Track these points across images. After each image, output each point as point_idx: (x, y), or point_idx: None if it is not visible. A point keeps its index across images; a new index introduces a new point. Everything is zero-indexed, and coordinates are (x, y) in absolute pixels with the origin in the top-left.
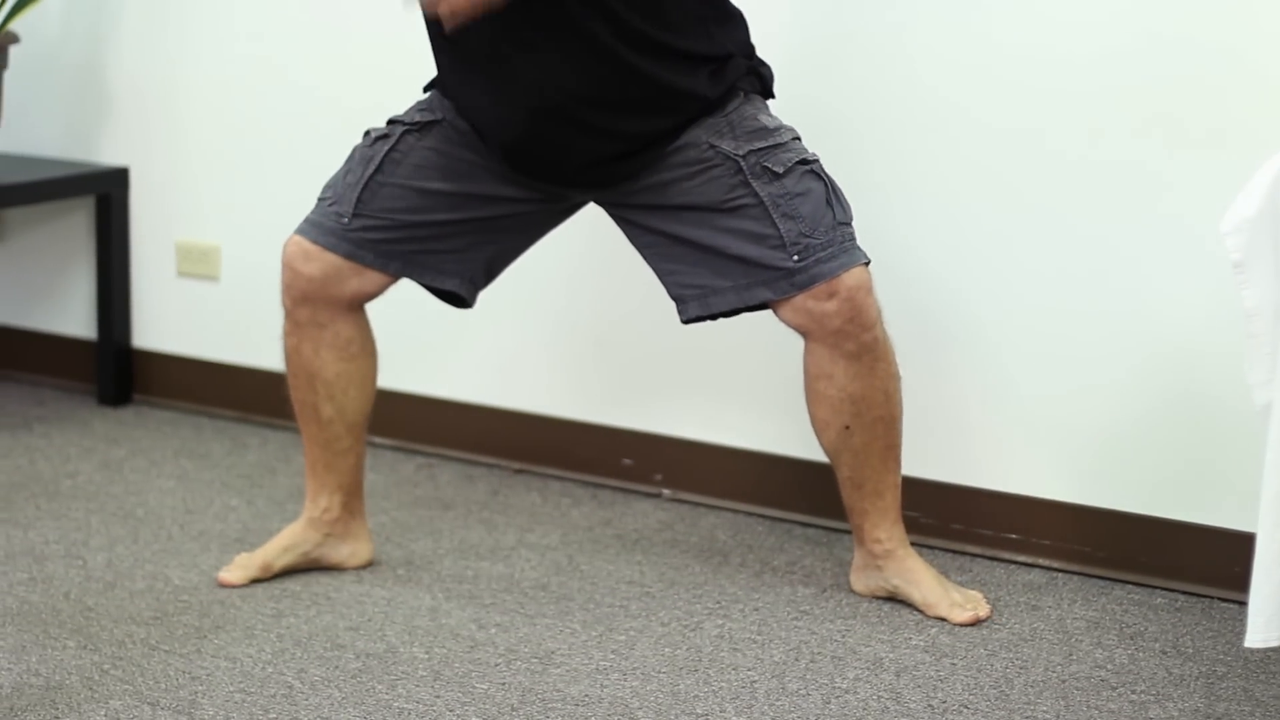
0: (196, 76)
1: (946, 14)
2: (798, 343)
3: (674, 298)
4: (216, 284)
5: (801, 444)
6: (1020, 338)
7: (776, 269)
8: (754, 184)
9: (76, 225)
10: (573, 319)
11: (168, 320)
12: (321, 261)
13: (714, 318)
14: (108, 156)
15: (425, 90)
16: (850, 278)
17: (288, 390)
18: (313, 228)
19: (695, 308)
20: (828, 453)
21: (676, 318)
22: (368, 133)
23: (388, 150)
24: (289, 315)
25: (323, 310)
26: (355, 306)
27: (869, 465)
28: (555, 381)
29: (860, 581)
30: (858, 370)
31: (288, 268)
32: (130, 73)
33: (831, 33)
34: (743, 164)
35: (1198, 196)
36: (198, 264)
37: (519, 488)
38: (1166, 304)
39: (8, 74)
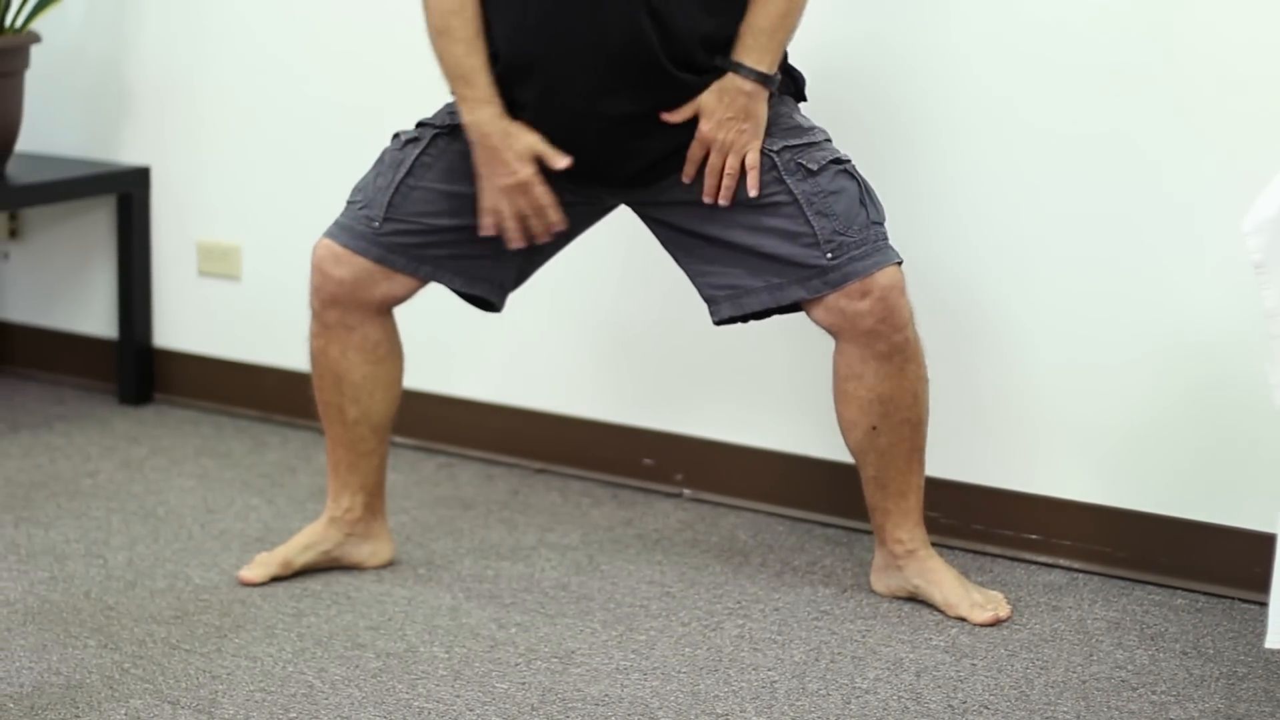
0: (218, 76)
1: (961, 12)
2: (817, 343)
3: (706, 299)
4: (237, 283)
5: (822, 444)
6: (1041, 338)
7: (810, 267)
8: (788, 180)
9: (98, 225)
10: (594, 319)
11: (188, 319)
12: (352, 265)
13: (746, 319)
14: (129, 156)
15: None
16: (884, 277)
17: (312, 390)
18: (343, 231)
19: (728, 308)
20: (853, 452)
21: (697, 318)
22: (397, 135)
23: (418, 154)
24: (317, 317)
25: (352, 313)
26: (384, 310)
27: (894, 466)
28: (576, 382)
29: (881, 582)
30: (888, 371)
31: (317, 270)
32: (151, 73)
33: (850, 35)
34: (777, 160)
35: (1222, 195)
36: (219, 263)
37: (539, 487)
38: (1188, 305)
39: (29, 74)
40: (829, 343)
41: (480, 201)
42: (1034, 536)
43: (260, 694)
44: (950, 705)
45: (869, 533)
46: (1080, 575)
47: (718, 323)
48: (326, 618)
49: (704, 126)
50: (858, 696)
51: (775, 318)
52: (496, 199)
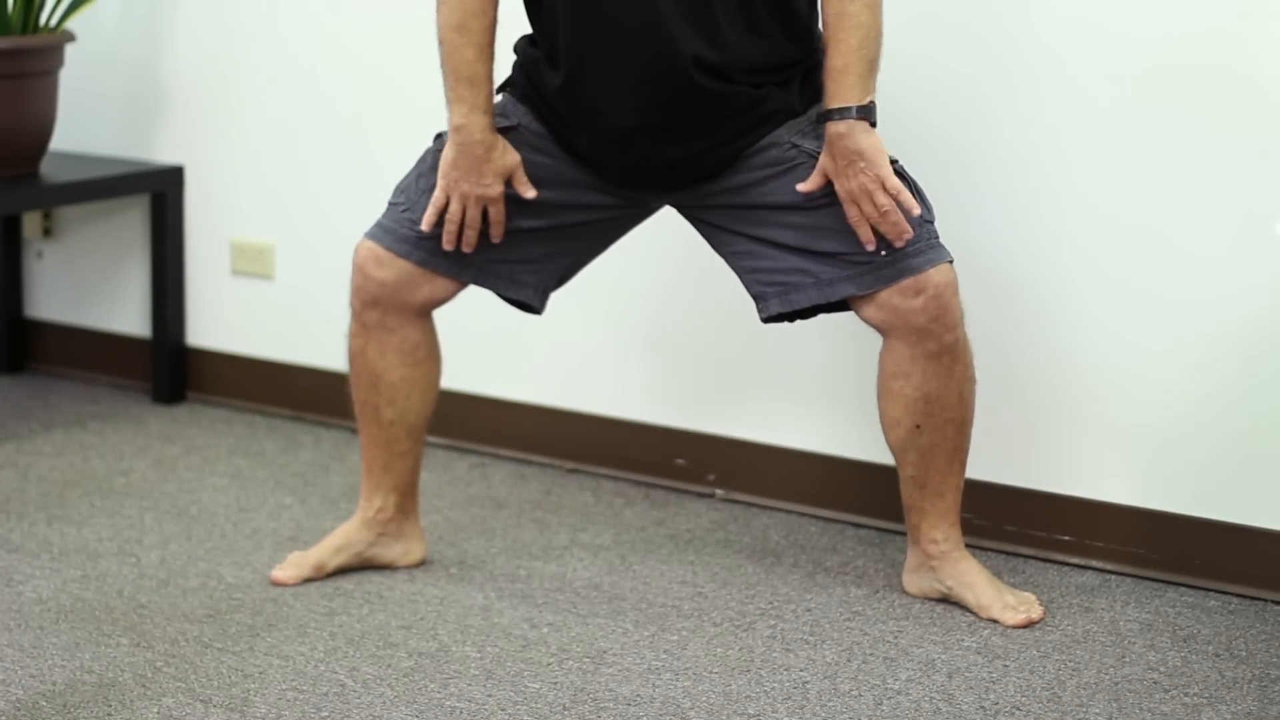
0: (251, 75)
1: (982, 11)
2: (849, 344)
3: (754, 295)
4: (271, 282)
5: (855, 444)
6: (1074, 339)
7: (862, 263)
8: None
9: (132, 223)
10: (626, 319)
11: (222, 318)
12: (394, 268)
13: (793, 317)
14: (163, 155)
15: (499, 91)
16: (938, 274)
17: (347, 388)
18: (385, 234)
19: (776, 304)
20: (893, 450)
21: (729, 318)
22: (440, 135)
23: None
24: (357, 317)
25: (392, 315)
26: (424, 312)
27: (934, 466)
28: (608, 381)
29: (913, 583)
30: (936, 370)
31: (359, 271)
32: (186, 72)
33: (889, 32)
34: (830, 164)
35: (1255, 195)
36: (253, 262)
37: (572, 487)
38: (1222, 306)
39: (64, 73)
40: (860, 343)
41: (434, 195)
42: (1066, 538)
43: (292, 693)
44: (982, 707)
45: (902, 533)
46: (1113, 577)
47: (765, 319)
48: (359, 617)
49: (839, 188)
50: (889, 697)
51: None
52: (453, 199)
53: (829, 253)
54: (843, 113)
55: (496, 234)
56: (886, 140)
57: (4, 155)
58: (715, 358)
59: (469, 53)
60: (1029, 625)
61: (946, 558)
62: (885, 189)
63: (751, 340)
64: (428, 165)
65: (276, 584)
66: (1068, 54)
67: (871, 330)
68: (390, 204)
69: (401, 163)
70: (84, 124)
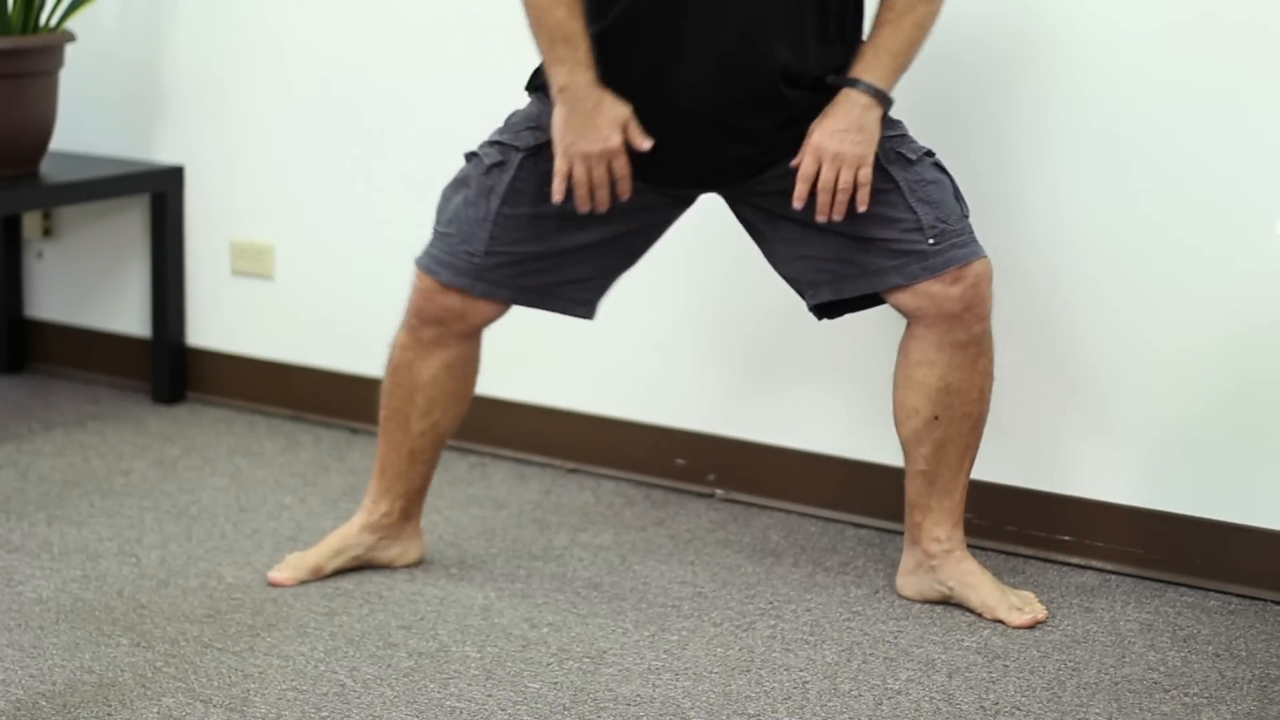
0: (252, 75)
1: (986, 13)
2: (850, 344)
3: (806, 282)
4: (271, 282)
5: (855, 444)
6: (1074, 340)
7: (910, 253)
8: (889, 169)
9: (131, 223)
10: (626, 319)
11: (222, 318)
12: (458, 297)
13: (837, 310)
14: (163, 155)
15: (528, 90)
16: (980, 265)
17: (380, 394)
18: (444, 267)
19: (828, 291)
20: (905, 442)
21: (729, 318)
22: (475, 156)
23: (510, 180)
24: (412, 332)
25: (449, 334)
26: (478, 331)
27: (945, 462)
28: (608, 382)
29: (910, 585)
30: (961, 360)
31: (422, 295)
32: (186, 72)
33: None
34: (879, 149)
35: (1259, 198)
36: (252, 262)
37: (572, 487)
38: (1223, 306)
39: (64, 73)
40: (861, 343)
41: (555, 165)
42: (1066, 538)
43: (292, 693)
44: (982, 706)
45: (901, 533)
46: (1113, 577)
47: (814, 307)
48: (359, 617)
49: (814, 136)
50: (889, 697)
51: (806, 318)
52: (576, 164)
53: (878, 240)
54: (871, 88)
55: (624, 189)
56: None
57: (4, 155)
58: (715, 358)
59: (559, 12)
60: (1034, 625)
61: (949, 557)
62: (857, 175)
63: (752, 340)
64: (473, 191)
65: (274, 585)
66: (1074, 54)
67: (872, 330)
68: (440, 233)
69: (402, 162)
70: (84, 124)
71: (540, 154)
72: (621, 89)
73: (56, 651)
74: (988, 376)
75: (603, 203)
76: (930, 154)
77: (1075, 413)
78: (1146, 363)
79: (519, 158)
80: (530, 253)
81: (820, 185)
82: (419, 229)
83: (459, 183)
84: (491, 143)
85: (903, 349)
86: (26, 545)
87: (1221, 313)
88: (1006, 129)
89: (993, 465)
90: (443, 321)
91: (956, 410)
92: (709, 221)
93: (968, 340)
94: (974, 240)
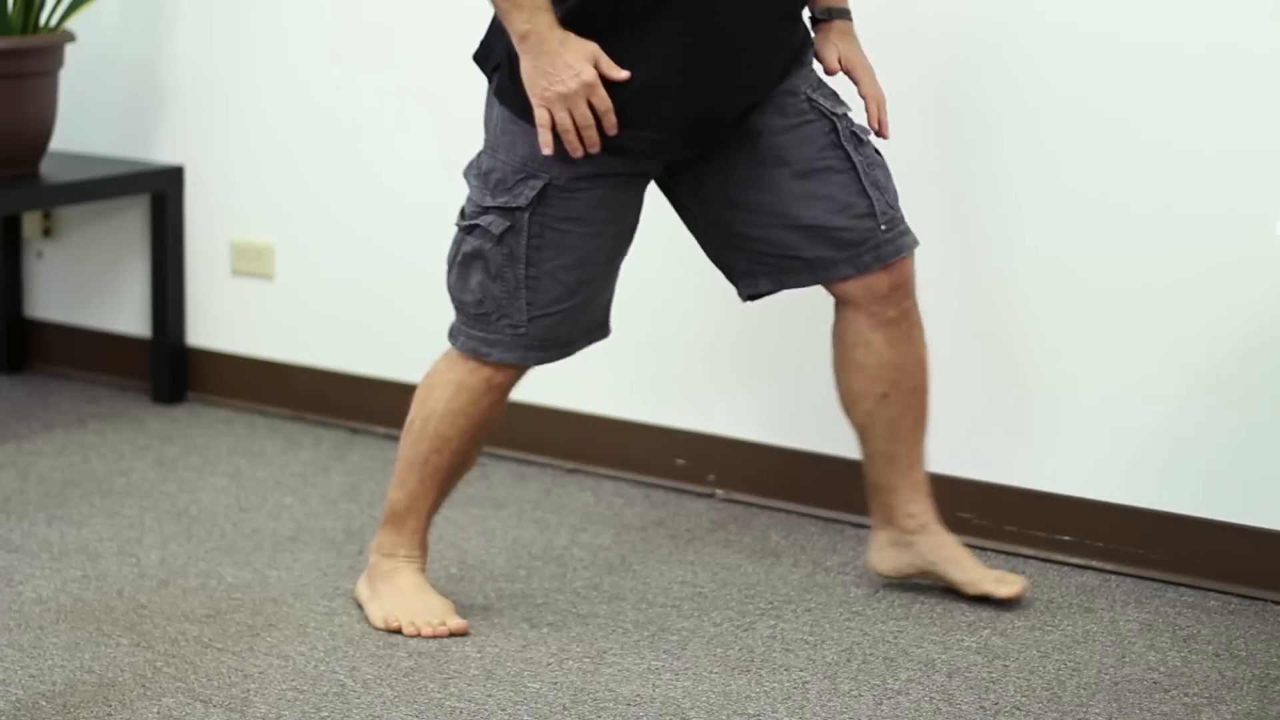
0: (252, 76)
1: (1003, 14)
2: None
3: (741, 273)
4: (271, 282)
5: (855, 444)
6: (1073, 339)
7: (860, 243)
8: (846, 147)
9: (131, 223)
10: (626, 318)
11: (222, 318)
12: (516, 370)
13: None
14: (163, 155)
15: (493, 91)
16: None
17: (427, 451)
18: (493, 348)
19: (767, 284)
20: (858, 427)
21: (729, 317)
22: (476, 227)
23: (525, 242)
24: (498, 389)
25: (505, 392)
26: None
27: (900, 438)
28: (608, 381)
29: (886, 560)
30: (896, 336)
31: (479, 378)
32: (186, 72)
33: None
34: (838, 125)
35: (1256, 197)
36: (252, 262)
37: (572, 487)
38: (1221, 305)
39: (64, 73)
40: None
41: (535, 116)
42: (1066, 538)
43: (292, 693)
44: (982, 706)
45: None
46: (1113, 577)
47: (747, 298)
48: (359, 617)
49: (860, 59)
50: (889, 697)
51: (807, 316)
52: (555, 109)
53: (829, 228)
54: (849, 16)
55: (609, 123)
56: (894, 137)
57: (4, 155)
58: (715, 357)
59: None
60: (1020, 597)
61: (925, 530)
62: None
63: (752, 340)
64: (493, 264)
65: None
66: (1067, 57)
67: None
68: (476, 315)
69: (401, 162)
70: (84, 124)
71: (541, 200)
72: (630, 42)
73: (56, 651)
74: (924, 347)
75: (593, 143)
76: (866, 130)
77: (1075, 413)
78: (1147, 362)
79: (526, 217)
80: (568, 305)
81: (881, 102)
82: (419, 229)
83: (470, 258)
84: (486, 209)
85: (837, 336)
86: (26, 545)
87: (1222, 312)
88: (1007, 129)
89: (993, 465)
90: (503, 390)
91: (903, 385)
92: None
93: (898, 316)
94: (906, 223)
